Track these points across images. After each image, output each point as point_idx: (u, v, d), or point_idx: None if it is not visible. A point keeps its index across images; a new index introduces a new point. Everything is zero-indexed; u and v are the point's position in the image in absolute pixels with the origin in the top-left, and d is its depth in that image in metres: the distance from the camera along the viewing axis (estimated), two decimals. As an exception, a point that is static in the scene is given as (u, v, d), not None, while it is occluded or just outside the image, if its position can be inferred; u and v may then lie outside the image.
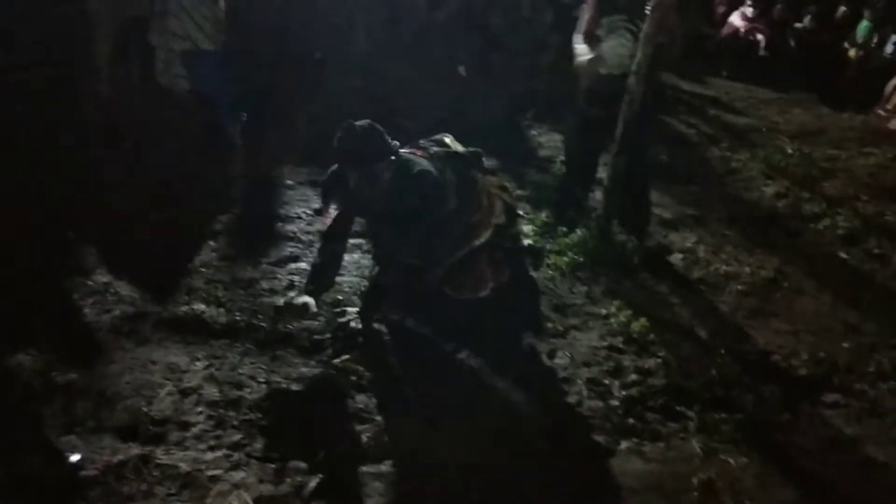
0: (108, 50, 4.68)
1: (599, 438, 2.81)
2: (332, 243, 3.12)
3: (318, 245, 3.34)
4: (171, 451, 2.52)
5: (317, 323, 3.22)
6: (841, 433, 3.01)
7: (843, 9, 9.50)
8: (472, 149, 3.39)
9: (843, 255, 4.50)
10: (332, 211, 3.09)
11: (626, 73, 3.78)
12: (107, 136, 4.60)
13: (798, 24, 9.40)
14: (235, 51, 4.63)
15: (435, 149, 3.24)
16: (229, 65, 4.62)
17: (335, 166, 3.09)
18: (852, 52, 8.90)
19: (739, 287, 3.95)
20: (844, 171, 5.92)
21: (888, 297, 4.07)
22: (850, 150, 6.48)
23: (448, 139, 3.36)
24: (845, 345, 3.57)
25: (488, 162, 3.70)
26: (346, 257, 3.71)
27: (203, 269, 3.53)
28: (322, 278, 3.12)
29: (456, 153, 3.29)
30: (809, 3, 9.61)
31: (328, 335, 3.17)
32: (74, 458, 2.43)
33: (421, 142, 3.28)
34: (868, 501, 2.69)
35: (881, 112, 7.71)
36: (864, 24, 8.95)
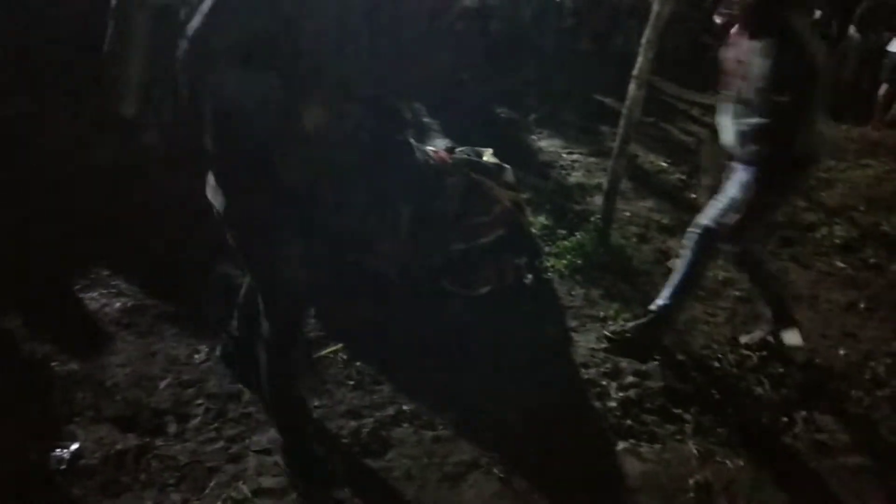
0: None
1: (596, 439, 2.83)
2: None
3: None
4: (171, 443, 2.53)
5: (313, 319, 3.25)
6: (835, 438, 3.03)
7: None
8: (497, 162, 3.70)
9: (840, 264, 4.53)
10: None
11: None
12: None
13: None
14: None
15: (458, 155, 3.59)
16: None
17: None
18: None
19: (736, 293, 3.97)
20: (842, 181, 5.96)
21: (884, 305, 4.10)
22: (848, 162, 6.52)
23: (487, 152, 3.71)
24: (841, 352, 3.60)
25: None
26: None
27: (205, 263, 3.54)
28: None
29: (473, 161, 3.47)
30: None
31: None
32: (73, 446, 2.43)
33: (457, 148, 3.63)
34: (861, 506, 2.71)
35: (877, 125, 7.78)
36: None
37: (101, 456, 2.43)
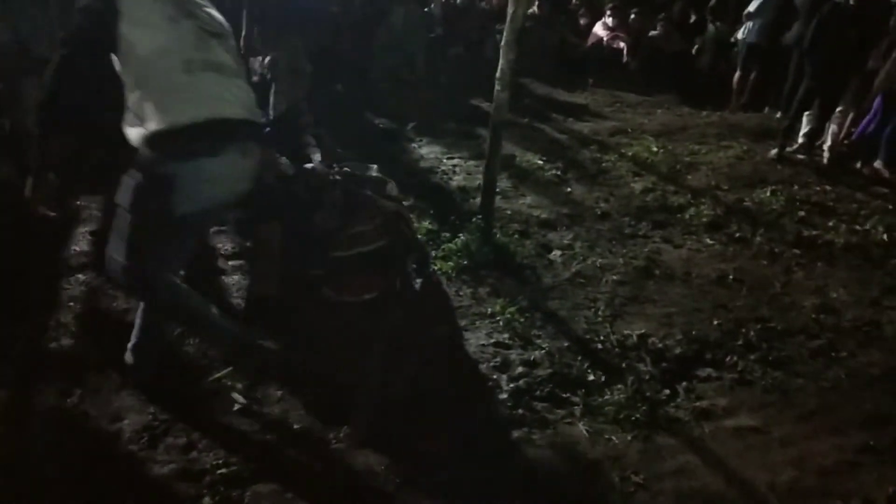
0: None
1: (490, 432, 2.87)
2: None
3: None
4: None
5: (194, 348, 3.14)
6: (715, 404, 3.19)
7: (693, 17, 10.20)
8: (380, 177, 3.66)
9: (709, 241, 4.79)
10: None
11: None
12: None
13: (652, 32, 9.93)
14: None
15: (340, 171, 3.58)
16: None
17: None
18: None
19: (615, 277, 4.13)
20: (706, 164, 6.32)
21: (751, 275, 4.36)
22: (710, 145, 6.93)
23: (372, 168, 3.72)
24: (715, 322, 3.80)
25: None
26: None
27: (71, 304, 3.36)
28: None
29: (354, 176, 3.57)
30: (661, 13, 10.20)
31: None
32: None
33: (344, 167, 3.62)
34: (742, 464, 2.86)
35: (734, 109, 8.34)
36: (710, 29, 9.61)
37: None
